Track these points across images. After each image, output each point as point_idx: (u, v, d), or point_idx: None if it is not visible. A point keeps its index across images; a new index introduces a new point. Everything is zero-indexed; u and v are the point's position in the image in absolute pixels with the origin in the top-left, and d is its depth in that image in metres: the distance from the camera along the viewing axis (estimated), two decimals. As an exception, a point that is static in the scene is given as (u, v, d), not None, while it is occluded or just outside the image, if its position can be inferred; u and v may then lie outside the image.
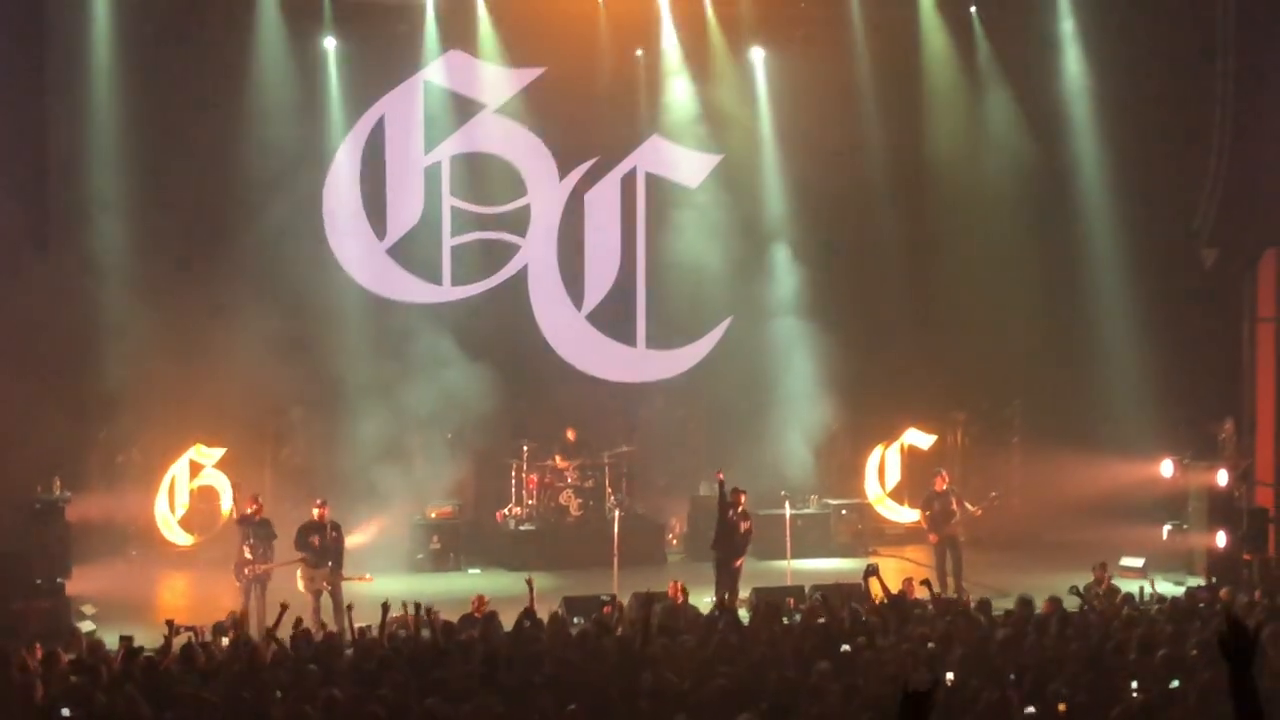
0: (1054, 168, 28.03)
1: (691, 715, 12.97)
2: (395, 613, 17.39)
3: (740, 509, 22.55)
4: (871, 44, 27.95)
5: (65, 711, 13.54)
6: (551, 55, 27.68)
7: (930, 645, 15.64)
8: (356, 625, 17.46)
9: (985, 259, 28.11)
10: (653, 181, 28.76)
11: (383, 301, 27.69)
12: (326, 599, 21.00)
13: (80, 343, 25.10)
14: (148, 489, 26.10)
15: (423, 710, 13.09)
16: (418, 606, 16.93)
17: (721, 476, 22.64)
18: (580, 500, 26.80)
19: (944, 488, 24.10)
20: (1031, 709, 13.13)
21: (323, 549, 21.20)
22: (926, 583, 19.40)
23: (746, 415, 28.06)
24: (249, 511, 21.66)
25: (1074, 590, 18.34)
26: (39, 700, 14.03)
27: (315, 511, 21.51)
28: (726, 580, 22.14)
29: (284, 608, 16.99)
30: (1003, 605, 19.28)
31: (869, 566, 19.47)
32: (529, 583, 18.22)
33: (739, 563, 22.41)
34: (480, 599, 18.94)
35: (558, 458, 26.90)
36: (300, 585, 20.97)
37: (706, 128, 28.54)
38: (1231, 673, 6.60)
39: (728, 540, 22.34)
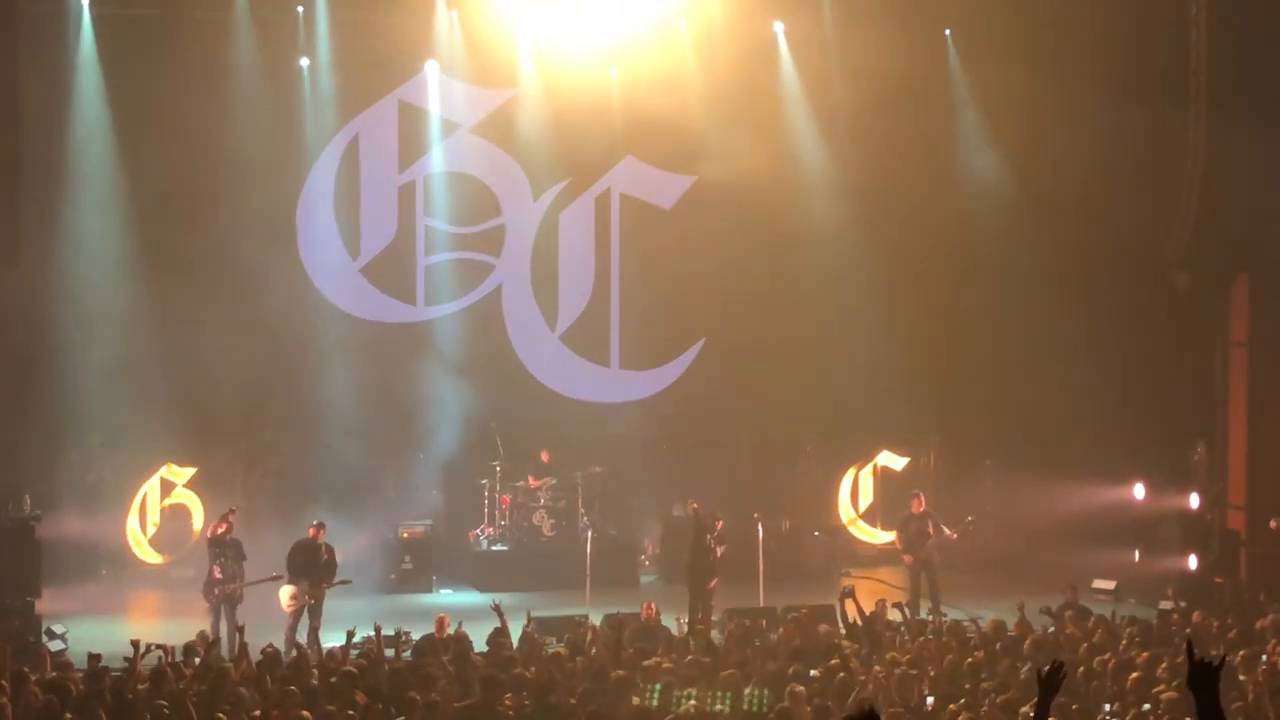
0: (1027, 190, 28.06)
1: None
2: (362, 637, 17.42)
3: (717, 533, 22.69)
4: (843, 67, 27.94)
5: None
6: (526, 76, 27.68)
7: (899, 670, 15.64)
8: (326, 645, 17.41)
9: (958, 282, 28.15)
10: (627, 202, 28.76)
11: (356, 321, 27.61)
12: (305, 620, 20.89)
13: (50, 360, 25.00)
14: (119, 508, 25.96)
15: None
16: (377, 630, 16.99)
17: (696, 506, 22.90)
18: (553, 520, 26.74)
19: (920, 510, 24.09)
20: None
21: (312, 569, 21.11)
22: (899, 605, 19.37)
23: (719, 437, 28.05)
24: (219, 532, 21.59)
25: (1045, 610, 18.33)
26: (7, 720, 13.93)
27: (311, 532, 21.43)
28: (701, 602, 22.20)
29: (240, 630, 17.02)
30: (974, 628, 19.28)
31: (844, 589, 19.48)
32: (497, 608, 18.21)
33: (714, 584, 22.50)
34: (441, 619, 18.88)
35: (530, 478, 26.84)
36: (284, 604, 20.87)
37: (681, 149, 28.52)
38: (1198, 705, 6.75)
39: (703, 563, 22.45)
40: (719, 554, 22.72)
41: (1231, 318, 26.00)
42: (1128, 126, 26.69)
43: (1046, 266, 27.97)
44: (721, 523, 23.00)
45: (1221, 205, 25.29)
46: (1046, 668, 7.83)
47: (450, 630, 18.57)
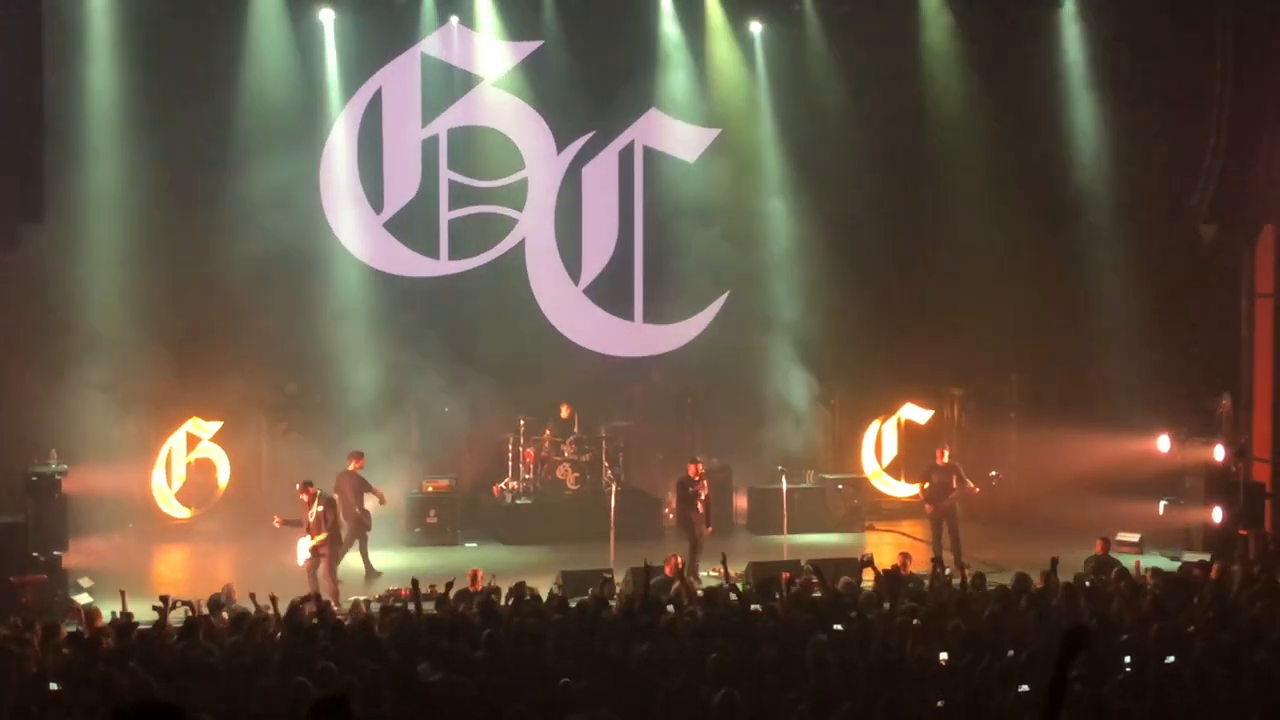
0: (1053, 143, 27.98)
1: (687, 686, 12.99)
2: (392, 587, 17.51)
3: (699, 479, 22.83)
4: (869, 17, 27.87)
5: (53, 685, 13.55)
6: (549, 28, 27.63)
7: (916, 621, 15.65)
8: (352, 598, 17.46)
9: (984, 234, 28.04)
10: (650, 155, 28.70)
11: (380, 275, 27.63)
12: (322, 574, 21.03)
13: (75, 315, 25.06)
14: (145, 462, 26.03)
15: (419, 679, 13.13)
16: (414, 582, 17.01)
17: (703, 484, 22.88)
18: (577, 474, 26.78)
19: (945, 462, 24.06)
20: (1025, 687, 13.11)
21: (316, 524, 21.21)
22: (934, 560, 19.17)
23: (743, 390, 28.04)
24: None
25: (1053, 563, 18.23)
26: (34, 673, 14.01)
27: (304, 495, 21.48)
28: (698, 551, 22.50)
29: (273, 599, 17.02)
30: (998, 580, 19.29)
31: (863, 557, 19.40)
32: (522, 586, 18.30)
33: (708, 531, 22.69)
34: (476, 573, 18.97)
35: (548, 433, 26.83)
36: (299, 560, 21.01)
37: (705, 101, 28.50)
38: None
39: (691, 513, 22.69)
40: (704, 499, 22.95)
41: (1257, 270, 25.91)
42: (1153, 77, 26.60)
43: (1072, 219, 27.92)
44: (696, 466, 23.09)
45: (1247, 157, 25.17)
46: (1069, 629, 7.51)
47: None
